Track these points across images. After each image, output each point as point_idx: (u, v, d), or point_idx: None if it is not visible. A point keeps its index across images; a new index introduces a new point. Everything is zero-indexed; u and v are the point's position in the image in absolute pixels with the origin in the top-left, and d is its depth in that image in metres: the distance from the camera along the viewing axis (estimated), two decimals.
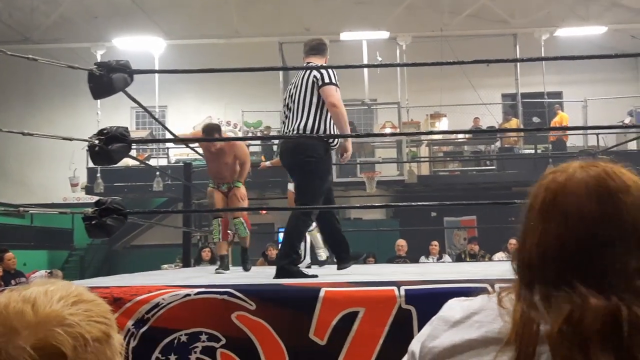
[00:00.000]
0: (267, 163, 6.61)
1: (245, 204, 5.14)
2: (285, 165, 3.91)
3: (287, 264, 3.51)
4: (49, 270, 8.93)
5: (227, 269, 4.97)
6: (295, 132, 3.68)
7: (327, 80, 3.64)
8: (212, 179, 5.16)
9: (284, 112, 3.94)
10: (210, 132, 4.85)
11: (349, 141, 3.93)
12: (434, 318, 0.94)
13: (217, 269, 4.94)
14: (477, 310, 0.89)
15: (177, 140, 4.57)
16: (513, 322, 0.80)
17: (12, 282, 7.38)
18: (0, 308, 0.75)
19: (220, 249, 5.24)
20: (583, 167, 0.89)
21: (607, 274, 0.79)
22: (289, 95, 3.84)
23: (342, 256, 4.04)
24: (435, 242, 9.20)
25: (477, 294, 0.93)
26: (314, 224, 5.02)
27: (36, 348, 0.71)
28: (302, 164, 3.67)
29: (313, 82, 3.67)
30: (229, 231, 5.90)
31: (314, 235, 5.61)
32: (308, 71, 3.71)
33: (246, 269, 5.12)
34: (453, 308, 0.92)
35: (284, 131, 3.87)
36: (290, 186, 5.79)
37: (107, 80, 3.34)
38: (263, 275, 4.26)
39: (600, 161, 0.91)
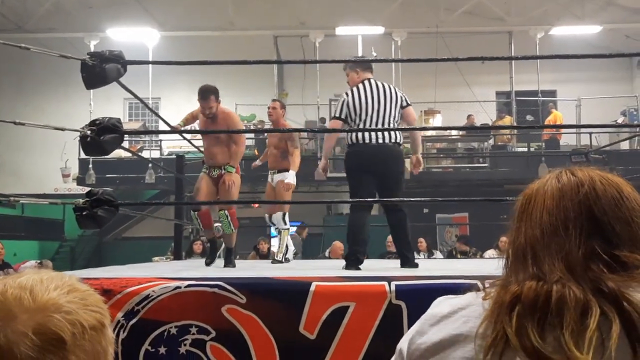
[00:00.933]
0: (258, 162, 6.49)
1: (234, 191, 4.71)
2: (384, 170, 4.00)
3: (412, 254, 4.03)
4: (39, 261, 8.88)
5: (219, 257, 4.85)
6: (390, 143, 4.01)
7: (409, 101, 4.19)
8: (205, 161, 4.88)
9: (348, 120, 4.11)
10: (206, 93, 4.58)
11: (420, 154, 4.34)
12: (422, 316, 0.96)
13: (206, 261, 4.82)
14: (464, 306, 0.91)
15: (170, 132, 4.28)
16: (489, 308, 0.88)
17: (0, 273, 7.34)
18: None
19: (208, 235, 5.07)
20: (559, 174, 0.97)
21: (556, 259, 0.88)
22: (359, 106, 4.04)
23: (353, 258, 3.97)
24: (422, 239, 9.22)
25: (466, 290, 0.94)
26: (289, 226, 5.30)
27: (36, 333, 0.72)
28: (402, 173, 4.14)
29: (400, 101, 4.10)
30: (216, 225, 5.82)
31: (284, 236, 5.40)
32: (394, 90, 4.14)
33: None
34: (440, 304, 0.95)
35: (356, 138, 4.05)
36: (270, 179, 5.61)
37: (100, 70, 3.32)
38: (254, 269, 4.26)
39: (587, 169, 0.97)
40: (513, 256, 0.94)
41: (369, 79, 4.14)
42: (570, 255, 0.87)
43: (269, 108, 5.57)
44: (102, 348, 0.78)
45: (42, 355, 0.71)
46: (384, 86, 4.11)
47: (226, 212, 4.69)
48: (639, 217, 0.90)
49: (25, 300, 0.74)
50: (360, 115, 4.02)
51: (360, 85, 4.11)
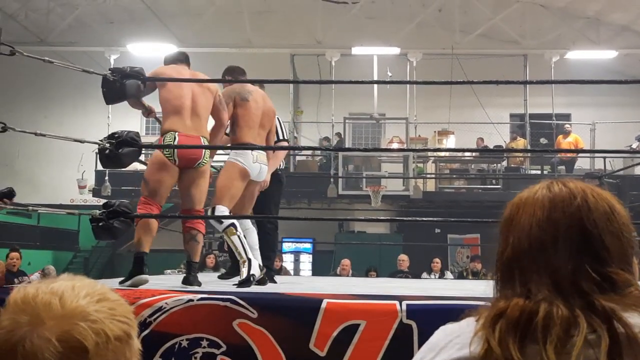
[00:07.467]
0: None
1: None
2: None
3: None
4: (41, 270, 8.86)
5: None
6: None
7: None
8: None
9: None
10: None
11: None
12: (422, 347, 0.96)
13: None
14: (459, 333, 0.91)
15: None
16: (479, 325, 0.87)
17: (15, 280, 7.40)
18: (28, 298, 0.77)
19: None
20: (549, 185, 0.94)
21: (544, 276, 0.86)
22: None
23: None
24: (437, 259, 9.17)
25: (469, 312, 0.94)
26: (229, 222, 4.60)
27: (60, 340, 0.73)
28: None
29: None
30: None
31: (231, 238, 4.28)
32: None
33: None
34: (437, 335, 0.95)
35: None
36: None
37: (120, 86, 3.39)
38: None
39: (578, 181, 0.94)
40: (501, 271, 0.92)
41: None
42: (559, 271, 0.86)
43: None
44: (126, 359, 0.80)
45: None
46: None
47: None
48: (628, 232, 0.90)
49: (55, 306, 0.76)
50: None
51: None
